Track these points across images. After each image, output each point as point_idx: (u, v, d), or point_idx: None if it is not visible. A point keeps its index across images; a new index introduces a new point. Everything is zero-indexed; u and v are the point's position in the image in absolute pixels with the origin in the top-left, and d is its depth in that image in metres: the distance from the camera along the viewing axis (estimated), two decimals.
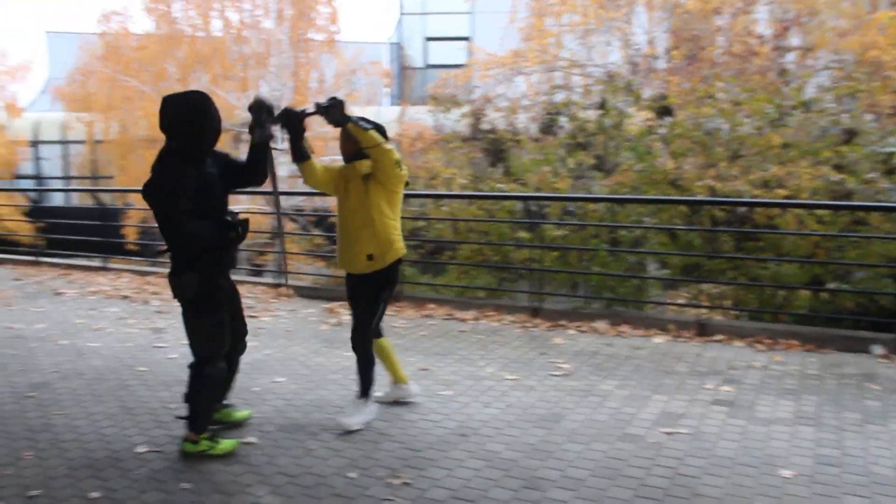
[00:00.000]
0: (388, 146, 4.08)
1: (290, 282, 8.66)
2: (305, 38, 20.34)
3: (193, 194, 3.69)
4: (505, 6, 17.25)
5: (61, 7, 49.30)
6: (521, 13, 16.99)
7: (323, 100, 4.10)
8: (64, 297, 8.46)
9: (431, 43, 29.81)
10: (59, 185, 25.27)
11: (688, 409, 4.60)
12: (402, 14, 30.45)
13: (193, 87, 14.00)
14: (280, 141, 4.17)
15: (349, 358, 5.53)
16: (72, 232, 11.62)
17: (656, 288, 8.73)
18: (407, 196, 10.58)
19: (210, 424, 4.02)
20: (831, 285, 7.61)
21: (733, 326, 6.51)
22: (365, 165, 4.19)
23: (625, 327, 6.66)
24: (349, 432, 4.25)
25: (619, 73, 14.16)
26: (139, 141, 16.83)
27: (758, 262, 7.82)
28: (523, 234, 8.84)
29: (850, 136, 8.88)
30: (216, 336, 3.93)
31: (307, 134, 4.15)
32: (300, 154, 4.16)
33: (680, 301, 8.11)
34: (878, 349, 5.82)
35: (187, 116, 3.70)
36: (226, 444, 3.98)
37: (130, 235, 14.48)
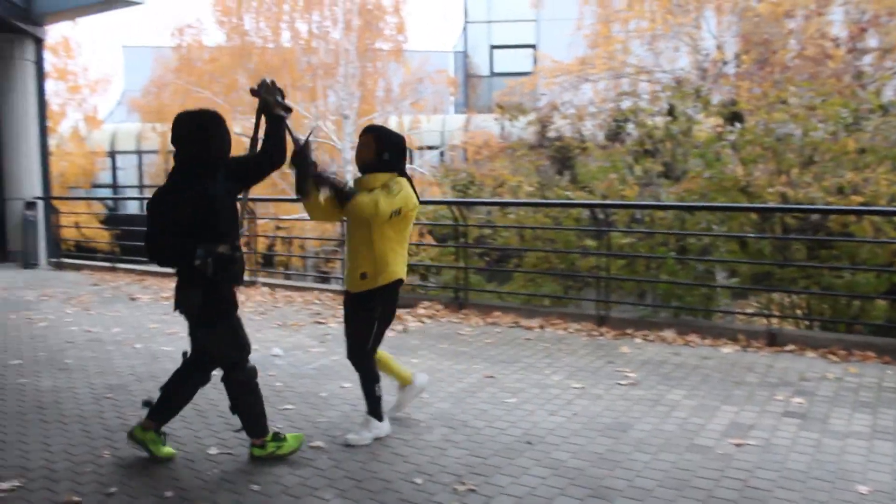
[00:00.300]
0: (366, 199, 3.96)
1: None
2: (373, 48, 20.64)
3: (189, 212, 3.66)
4: (571, 13, 17.21)
5: (138, 22, 50.91)
6: (587, 20, 16.95)
7: (301, 137, 4.00)
8: (139, 302, 8.74)
9: (497, 51, 29.87)
10: (134, 193, 26.09)
11: (758, 421, 4.51)
12: (467, 22, 30.59)
13: None
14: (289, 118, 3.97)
15: (416, 365, 5.60)
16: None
17: (725, 297, 8.58)
18: (473, 204, 10.70)
19: (264, 422, 4.02)
20: None
21: (805, 336, 6.35)
22: (378, 180, 4.07)
23: (693, 336, 6.55)
24: (350, 446, 4.20)
25: (688, 79, 14.00)
26: None
27: (832, 271, 7.62)
28: (590, 242, 8.78)
29: None
30: (234, 339, 3.93)
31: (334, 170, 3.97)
32: (305, 191, 4.07)
33: (749, 310, 7.94)
34: None
35: (186, 132, 3.70)
36: (291, 440, 4.03)
37: None
